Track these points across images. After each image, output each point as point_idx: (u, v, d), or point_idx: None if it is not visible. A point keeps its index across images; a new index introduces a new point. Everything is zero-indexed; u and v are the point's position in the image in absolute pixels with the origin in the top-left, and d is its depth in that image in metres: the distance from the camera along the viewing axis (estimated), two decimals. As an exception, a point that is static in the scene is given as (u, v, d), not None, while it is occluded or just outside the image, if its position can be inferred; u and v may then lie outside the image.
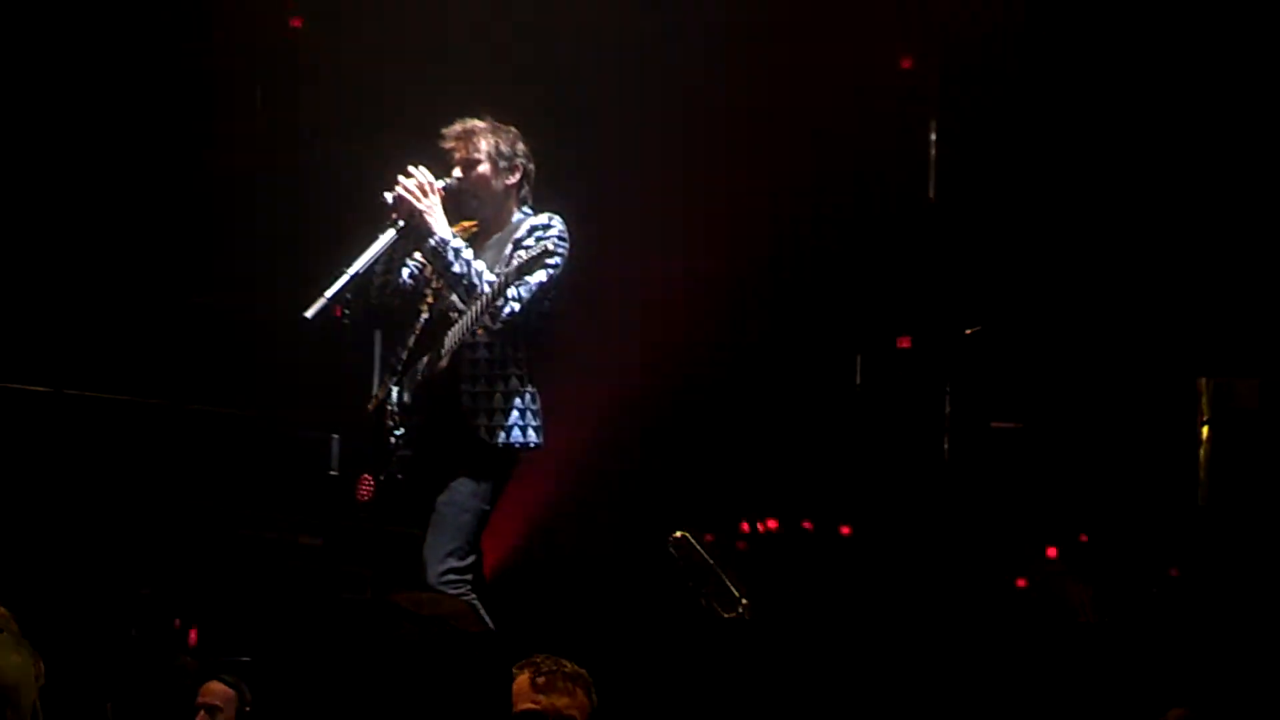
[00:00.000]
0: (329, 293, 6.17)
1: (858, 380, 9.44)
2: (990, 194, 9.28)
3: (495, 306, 6.24)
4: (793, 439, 9.21)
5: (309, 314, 6.15)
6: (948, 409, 9.37)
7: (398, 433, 6.36)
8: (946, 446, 9.48)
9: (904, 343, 9.47)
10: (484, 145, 6.47)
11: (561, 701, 4.33)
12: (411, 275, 6.48)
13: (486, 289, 6.25)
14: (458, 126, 6.47)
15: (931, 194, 9.49)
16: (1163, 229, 8.97)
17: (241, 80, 9.42)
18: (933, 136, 9.49)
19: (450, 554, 6.30)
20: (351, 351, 6.65)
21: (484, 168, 6.48)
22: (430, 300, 6.44)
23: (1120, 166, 9.08)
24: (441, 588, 6.20)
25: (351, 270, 6.23)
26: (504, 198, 6.50)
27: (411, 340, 6.42)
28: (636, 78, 8.94)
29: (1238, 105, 8.85)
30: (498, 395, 6.35)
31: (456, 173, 6.43)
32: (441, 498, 6.29)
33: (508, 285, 6.22)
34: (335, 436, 6.13)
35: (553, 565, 8.66)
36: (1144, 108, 9.02)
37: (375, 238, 6.30)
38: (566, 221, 6.39)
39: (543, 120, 8.47)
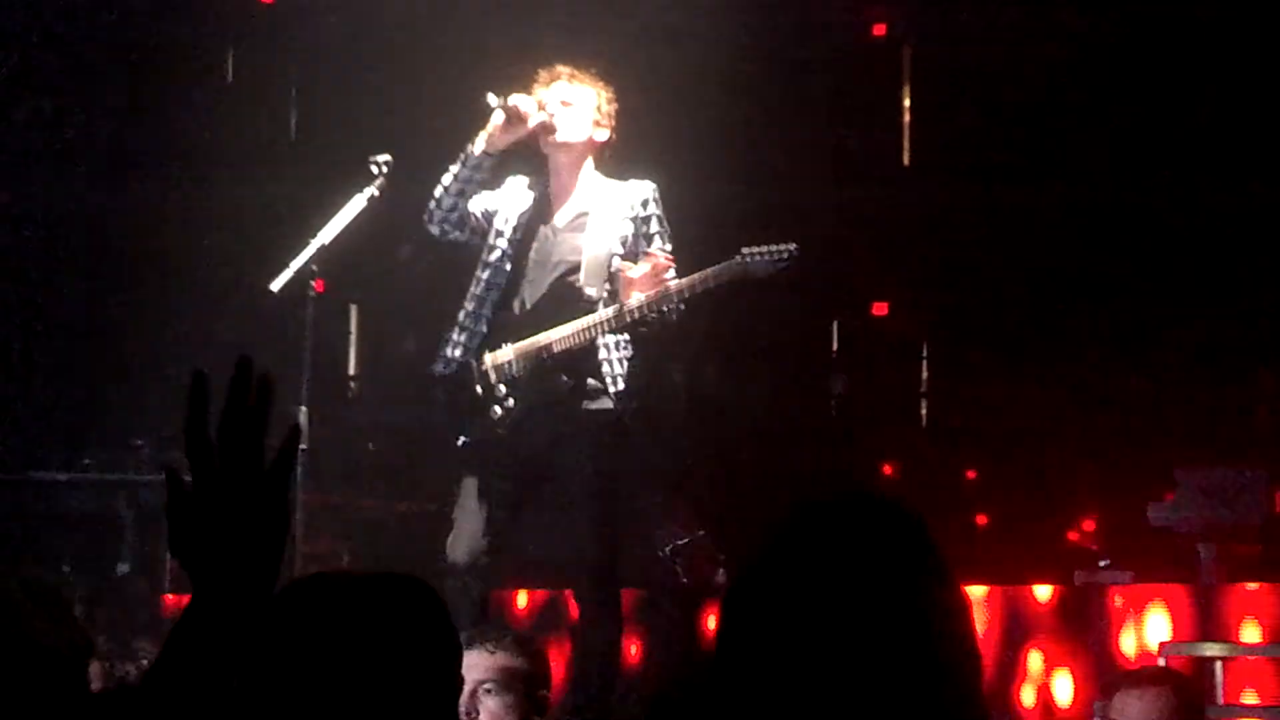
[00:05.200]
0: (295, 264, 6.10)
1: (834, 347, 9.47)
2: (965, 159, 9.28)
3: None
4: (770, 410, 9.21)
5: (275, 287, 6.09)
6: (925, 373, 9.41)
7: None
8: (924, 411, 9.52)
9: (880, 309, 9.49)
10: (590, 88, 6.22)
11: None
12: (485, 213, 6.28)
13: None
14: (566, 64, 6.23)
15: (906, 160, 9.50)
16: (1136, 194, 9.00)
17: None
18: (906, 103, 9.50)
19: None
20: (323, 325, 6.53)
21: (586, 111, 6.23)
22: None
23: (1095, 130, 9.10)
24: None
25: (319, 240, 6.15)
26: (583, 156, 6.25)
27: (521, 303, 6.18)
28: (605, 45, 8.90)
29: (1213, 75, 8.88)
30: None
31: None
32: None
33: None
34: (301, 408, 5.99)
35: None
36: (1119, 71, 9.03)
37: (344, 206, 6.21)
38: None
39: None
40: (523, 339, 6.11)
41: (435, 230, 6.25)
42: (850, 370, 9.52)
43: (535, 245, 6.23)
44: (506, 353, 6.11)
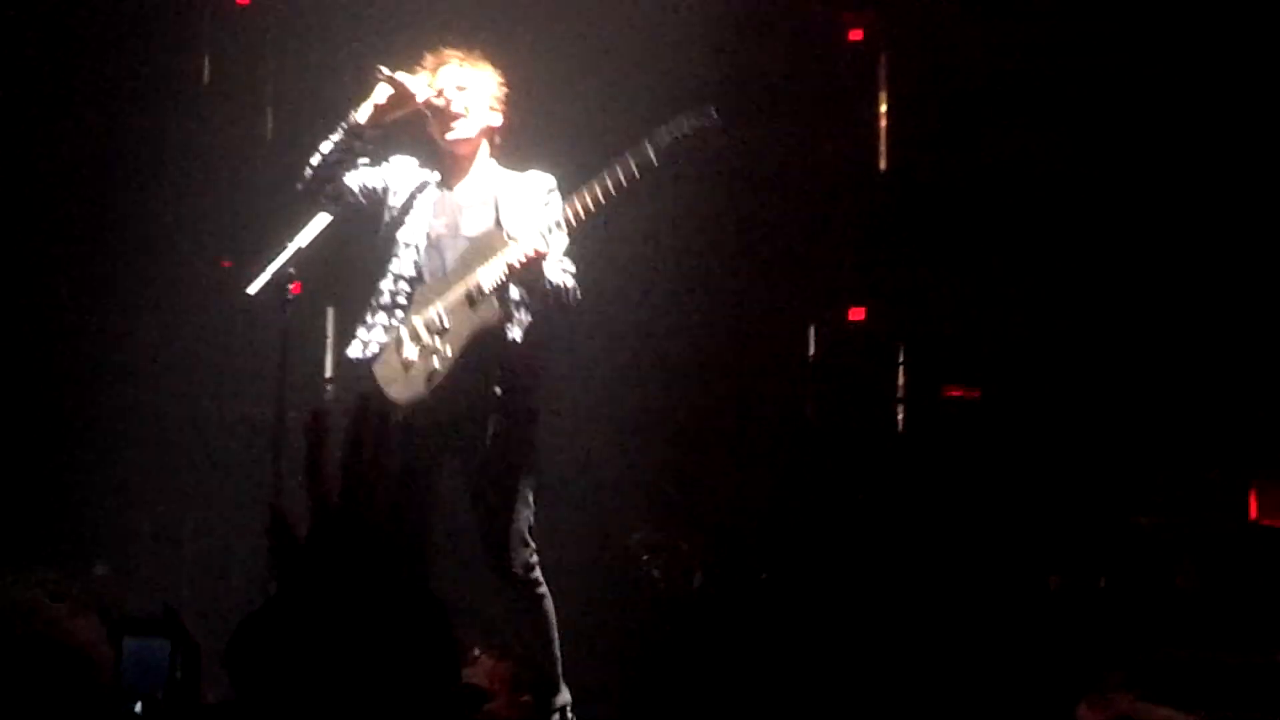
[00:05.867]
0: (272, 267, 6.06)
1: (811, 352, 9.44)
2: (942, 164, 9.28)
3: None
4: (747, 414, 9.19)
5: (252, 290, 6.05)
6: (901, 379, 9.39)
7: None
8: (901, 417, 9.49)
9: (857, 314, 9.47)
10: (486, 72, 6.25)
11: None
12: (366, 189, 6.21)
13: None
14: (455, 49, 6.22)
15: (882, 165, 9.49)
16: (1115, 200, 9.00)
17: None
18: (883, 108, 9.48)
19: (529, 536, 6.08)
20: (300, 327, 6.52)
21: (482, 97, 6.23)
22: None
23: (1072, 136, 9.10)
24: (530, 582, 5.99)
25: (296, 243, 6.11)
26: (478, 142, 6.25)
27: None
28: (582, 53, 8.89)
29: (1199, 73, 8.89)
30: None
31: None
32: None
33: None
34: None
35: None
36: (1097, 77, 9.04)
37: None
38: None
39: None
40: (449, 290, 6.03)
41: (306, 199, 6.15)
42: (826, 375, 9.50)
43: (444, 218, 6.14)
44: (433, 309, 6.04)
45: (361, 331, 6.08)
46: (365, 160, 6.13)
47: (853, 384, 9.40)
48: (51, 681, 2.53)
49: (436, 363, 5.96)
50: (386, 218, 6.17)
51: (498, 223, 6.08)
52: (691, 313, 9.26)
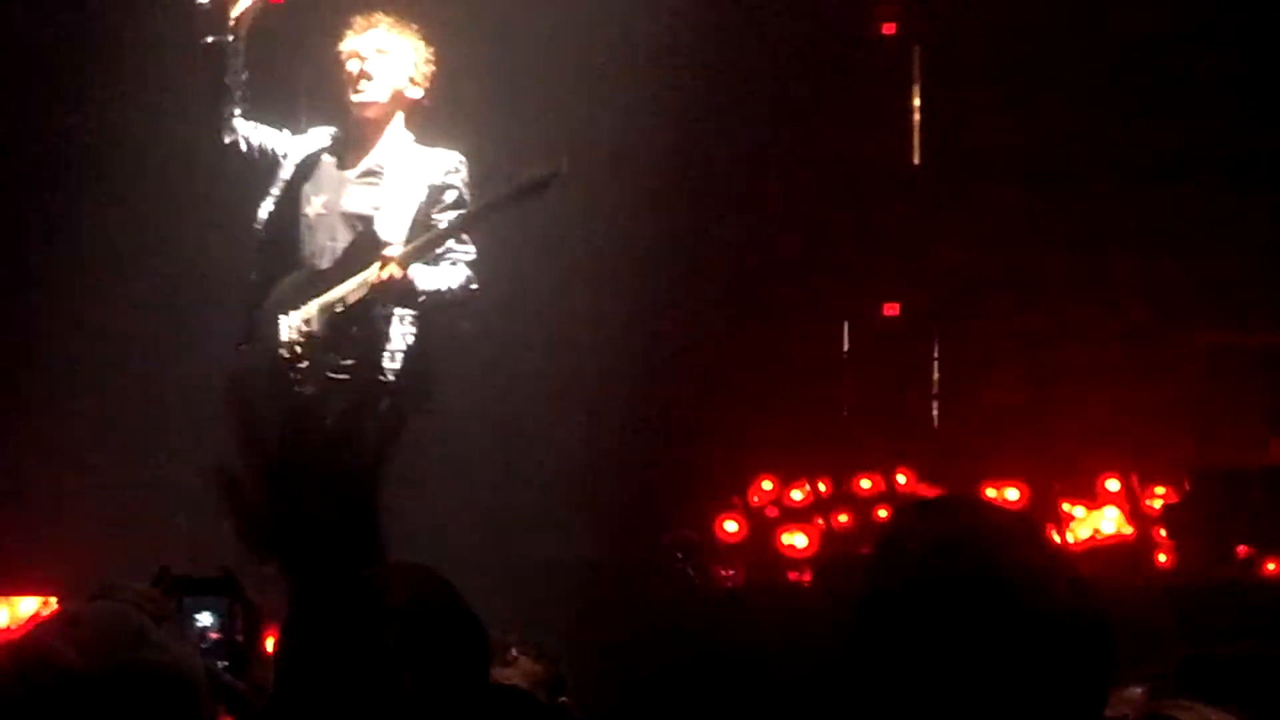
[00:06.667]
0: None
1: (845, 348, 9.41)
2: (976, 157, 9.23)
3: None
4: (782, 408, 9.14)
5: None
6: (936, 375, 9.35)
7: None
8: (935, 413, 9.45)
9: (891, 309, 9.43)
10: (412, 43, 6.07)
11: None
12: (259, 149, 6.06)
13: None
14: (389, 16, 6.06)
15: (916, 159, 9.44)
16: (1148, 192, 8.95)
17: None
18: (916, 102, 9.44)
19: None
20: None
21: (401, 65, 6.06)
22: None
23: (1106, 127, 9.05)
24: None
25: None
26: (390, 111, 6.09)
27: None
28: (618, 49, 8.83)
29: (1237, 54, 8.84)
30: None
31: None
32: None
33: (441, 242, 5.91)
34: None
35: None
36: (1129, 67, 8.98)
37: None
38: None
39: (521, 85, 8.42)
40: (321, 294, 5.96)
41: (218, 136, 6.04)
42: (861, 372, 9.46)
43: (324, 195, 6.05)
44: (309, 309, 5.97)
45: (257, 313, 6.05)
46: (241, 111, 6.00)
47: (887, 379, 9.35)
48: (159, 714, 2.40)
49: (305, 363, 5.89)
50: (276, 190, 6.07)
51: (376, 208, 5.94)
52: (726, 309, 9.22)
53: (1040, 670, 2.06)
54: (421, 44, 6.06)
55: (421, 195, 5.99)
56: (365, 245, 5.98)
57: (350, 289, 5.88)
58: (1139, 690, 4.51)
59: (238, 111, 6.05)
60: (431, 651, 2.43)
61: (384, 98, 6.03)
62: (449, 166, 6.05)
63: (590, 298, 8.71)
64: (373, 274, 5.86)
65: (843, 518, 8.57)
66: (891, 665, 2.06)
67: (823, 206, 9.27)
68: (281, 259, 6.09)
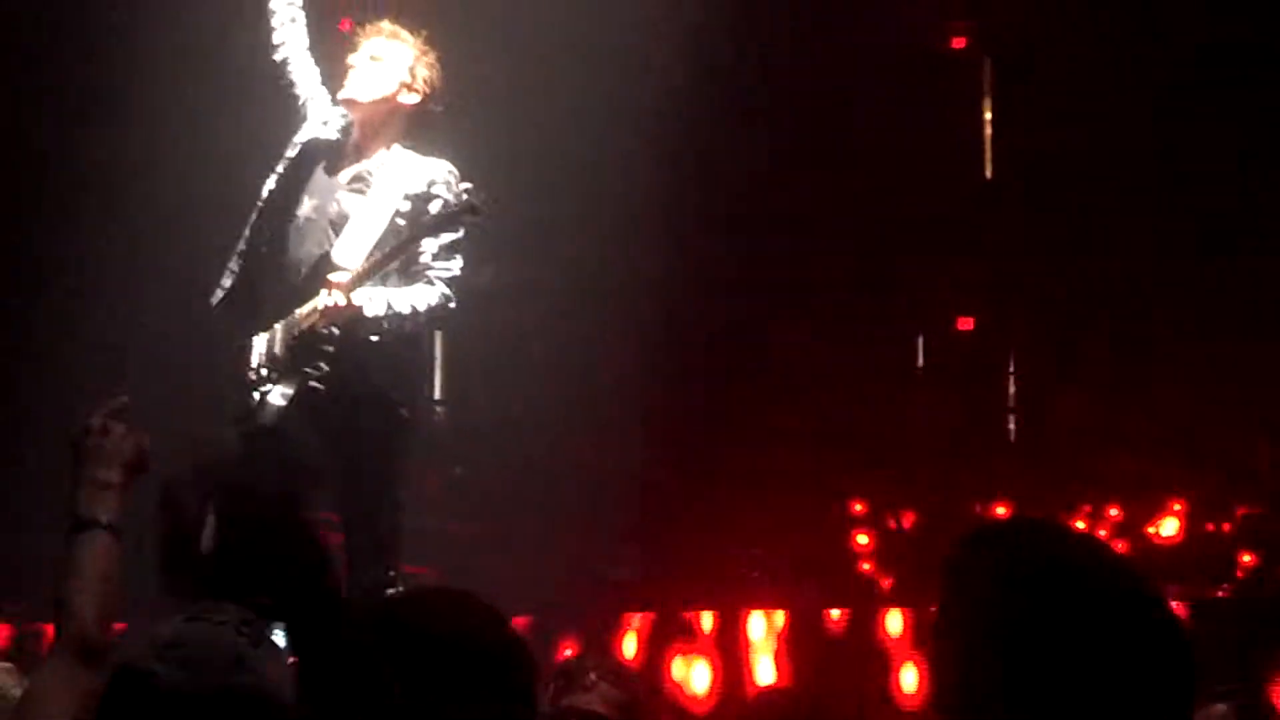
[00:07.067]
0: (226, 282, 5.99)
1: (920, 362, 9.40)
2: (1047, 172, 9.20)
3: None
4: (857, 422, 9.13)
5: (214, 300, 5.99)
6: (1012, 389, 9.32)
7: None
8: (1012, 427, 9.42)
9: (965, 324, 9.42)
10: (408, 49, 5.94)
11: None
12: (298, 84, 6.00)
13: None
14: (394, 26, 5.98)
15: (988, 173, 9.43)
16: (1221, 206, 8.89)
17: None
18: (987, 115, 9.43)
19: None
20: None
21: (394, 70, 5.93)
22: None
23: (1181, 139, 9.00)
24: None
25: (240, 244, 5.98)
26: (385, 116, 5.94)
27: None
28: (684, 60, 8.83)
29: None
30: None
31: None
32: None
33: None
34: None
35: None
36: (1203, 80, 8.93)
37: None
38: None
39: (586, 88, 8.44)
40: (293, 306, 5.81)
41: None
42: (935, 385, 9.44)
43: (315, 199, 5.92)
44: (274, 331, 5.82)
45: (225, 278, 5.98)
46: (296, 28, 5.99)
47: (962, 393, 9.33)
48: None
49: (268, 386, 5.79)
50: (281, 169, 5.98)
51: (354, 216, 5.85)
52: (801, 323, 9.22)
53: (1132, 687, 2.07)
54: (420, 51, 5.96)
55: (403, 205, 5.87)
56: (327, 262, 5.85)
57: (304, 313, 5.78)
58: (1223, 707, 4.48)
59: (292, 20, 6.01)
60: (477, 680, 2.42)
61: (365, 98, 5.88)
62: (435, 176, 5.86)
63: (664, 316, 8.76)
64: (322, 300, 5.72)
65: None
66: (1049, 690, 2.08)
67: (896, 220, 9.26)
68: (272, 260, 5.96)
